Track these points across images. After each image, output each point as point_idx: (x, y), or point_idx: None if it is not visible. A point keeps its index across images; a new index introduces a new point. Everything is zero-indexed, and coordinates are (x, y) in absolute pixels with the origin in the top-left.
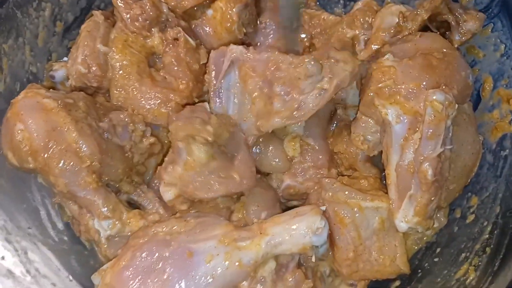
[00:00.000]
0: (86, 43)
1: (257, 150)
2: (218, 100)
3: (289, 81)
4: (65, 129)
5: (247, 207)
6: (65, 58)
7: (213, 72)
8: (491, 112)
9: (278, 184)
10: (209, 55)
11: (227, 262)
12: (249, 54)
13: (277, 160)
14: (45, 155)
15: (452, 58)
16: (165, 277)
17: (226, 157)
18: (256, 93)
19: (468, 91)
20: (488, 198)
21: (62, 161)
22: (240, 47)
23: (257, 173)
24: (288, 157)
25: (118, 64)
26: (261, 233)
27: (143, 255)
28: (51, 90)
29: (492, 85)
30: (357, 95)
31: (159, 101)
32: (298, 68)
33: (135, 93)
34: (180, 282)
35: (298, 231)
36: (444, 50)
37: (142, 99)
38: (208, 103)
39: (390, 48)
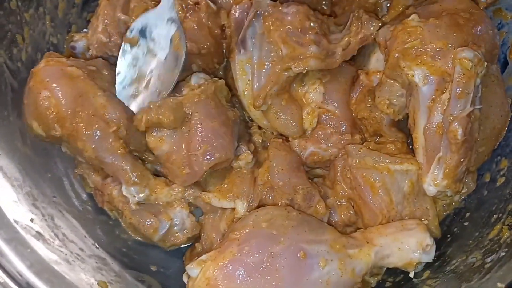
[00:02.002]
0: (106, 12)
1: (278, 109)
2: (242, 49)
3: (320, 30)
4: (92, 96)
5: (271, 171)
6: (85, 30)
7: (234, 26)
8: None
9: (302, 152)
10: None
11: (341, 270)
12: (275, 7)
13: (294, 124)
14: (73, 121)
15: (479, 18)
16: (277, 276)
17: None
18: (283, 41)
19: (495, 50)
20: None
21: (90, 127)
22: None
23: (280, 137)
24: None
25: None
26: (368, 243)
27: (252, 250)
28: (71, 58)
29: None
30: (380, 61)
31: None
32: (327, 20)
33: None
34: (293, 283)
35: (407, 245)
36: (470, 10)
37: None
38: (228, 57)
39: (415, 10)
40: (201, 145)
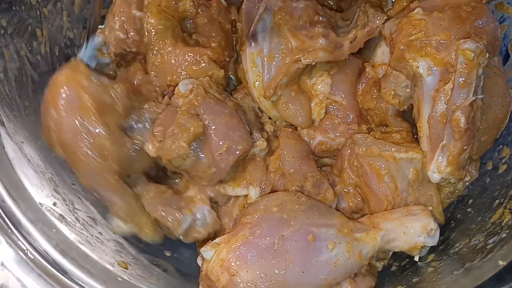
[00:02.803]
0: (121, 9)
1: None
2: (253, 42)
3: (328, 24)
4: (94, 131)
5: (282, 159)
6: (101, 26)
7: (245, 20)
8: None
9: (310, 141)
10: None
11: (348, 252)
12: (285, 2)
13: (302, 114)
14: (72, 150)
15: (481, 11)
16: (287, 257)
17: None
18: (292, 34)
19: (497, 42)
20: None
21: (86, 161)
22: None
23: (289, 127)
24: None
25: (153, 28)
26: (374, 227)
27: (263, 233)
28: (93, 75)
29: None
30: (385, 54)
31: (192, 59)
32: (334, 14)
33: (170, 56)
34: (303, 265)
35: (412, 229)
36: (472, 3)
37: (176, 62)
38: (238, 50)
39: (419, 4)
40: (223, 143)
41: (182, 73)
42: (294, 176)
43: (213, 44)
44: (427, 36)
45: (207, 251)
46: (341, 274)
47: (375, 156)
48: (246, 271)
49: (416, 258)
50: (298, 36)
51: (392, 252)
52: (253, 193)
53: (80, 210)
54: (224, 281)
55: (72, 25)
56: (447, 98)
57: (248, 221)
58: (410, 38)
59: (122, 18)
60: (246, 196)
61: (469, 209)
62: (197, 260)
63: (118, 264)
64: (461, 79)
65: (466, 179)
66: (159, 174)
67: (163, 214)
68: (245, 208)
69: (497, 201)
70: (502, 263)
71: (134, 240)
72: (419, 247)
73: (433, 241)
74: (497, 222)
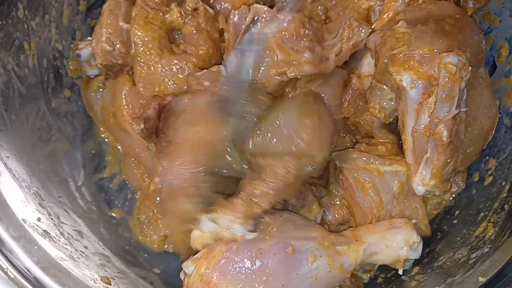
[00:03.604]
0: (109, 21)
1: None
2: (239, 54)
3: (314, 37)
4: None
5: None
6: (89, 38)
7: (232, 30)
8: (508, 77)
9: None
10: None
11: (329, 265)
12: (272, 14)
13: None
14: None
15: (465, 24)
16: (267, 271)
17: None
18: (278, 46)
19: (481, 55)
20: (506, 159)
21: None
22: (264, 6)
23: None
24: None
25: (140, 40)
26: (356, 240)
27: (240, 247)
28: None
29: (508, 50)
30: (371, 65)
31: (177, 67)
32: (320, 27)
33: (156, 67)
34: (283, 278)
35: (395, 243)
36: (457, 16)
37: (162, 72)
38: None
39: (403, 16)
40: None
41: (169, 83)
42: None
43: (200, 51)
44: (410, 50)
45: (188, 266)
46: (322, 287)
47: (360, 169)
48: (226, 286)
49: (400, 271)
50: (284, 49)
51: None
52: None
53: (65, 224)
54: None
55: (61, 37)
56: (430, 111)
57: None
58: (394, 52)
59: (109, 30)
60: None
61: (455, 221)
62: (180, 274)
63: (101, 279)
64: (443, 93)
65: (453, 190)
66: None
67: None
68: None
69: (482, 214)
70: (482, 279)
71: (122, 252)
72: (402, 260)
73: (416, 254)
74: (481, 236)
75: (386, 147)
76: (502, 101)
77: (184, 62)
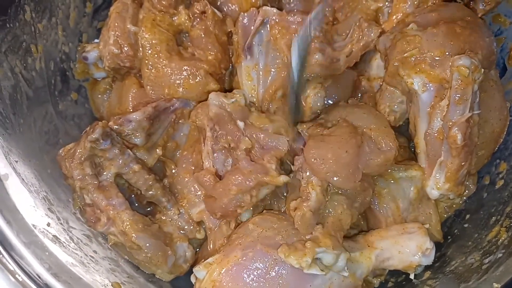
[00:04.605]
0: (116, 24)
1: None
2: (248, 56)
3: (324, 39)
4: None
5: None
6: (96, 40)
7: (241, 32)
8: None
9: None
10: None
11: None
12: (282, 16)
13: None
14: None
15: (475, 25)
16: (280, 282)
17: None
18: (288, 48)
19: (493, 57)
20: None
21: None
22: (273, 8)
23: None
24: None
25: (147, 43)
26: (368, 246)
27: (256, 255)
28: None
29: None
30: (381, 67)
31: (188, 73)
32: (330, 29)
33: (165, 70)
34: None
35: (407, 249)
36: (468, 18)
37: (172, 75)
38: (233, 63)
39: (413, 19)
40: None
41: (179, 88)
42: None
43: (209, 57)
44: (421, 53)
45: (200, 271)
46: None
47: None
48: None
49: (412, 276)
50: None
51: None
52: (245, 213)
53: (74, 228)
54: None
55: (68, 39)
56: (443, 114)
57: (239, 242)
58: (405, 55)
59: (117, 32)
60: None
61: (466, 224)
62: (191, 278)
63: (112, 285)
64: (456, 95)
65: (464, 193)
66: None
67: (151, 251)
68: (236, 228)
69: (493, 218)
70: (496, 285)
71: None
72: (414, 266)
73: (428, 260)
74: (493, 241)
75: (399, 152)
76: None
77: (195, 69)
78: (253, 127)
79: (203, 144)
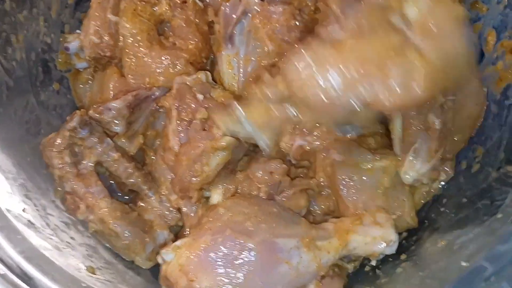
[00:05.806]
0: (97, 14)
1: None
2: (229, 45)
3: (304, 29)
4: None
5: None
6: (78, 31)
7: (223, 22)
8: (495, 65)
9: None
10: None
11: (309, 262)
12: (263, 6)
13: None
14: None
15: None
16: (247, 267)
17: None
18: (269, 38)
19: None
20: (493, 146)
21: None
22: None
23: None
24: None
25: (128, 33)
26: (337, 234)
27: (225, 241)
28: None
29: (495, 38)
30: None
31: (169, 62)
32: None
33: (145, 59)
34: (263, 276)
35: (373, 239)
36: None
37: (153, 64)
38: (215, 52)
39: None
40: None
41: (160, 77)
42: (262, 179)
43: (190, 46)
44: None
45: (167, 253)
46: (300, 283)
47: (349, 164)
48: (206, 278)
49: (373, 263)
50: (275, 40)
51: None
52: (216, 196)
53: (52, 215)
54: (182, 284)
55: (50, 30)
56: None
57: (209, 227)
58: None
59: (97, 22)
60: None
61: (443, 209)
62: (157, 258)
63: (86, 269)
64: None
65: (442, 178)
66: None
67: (130, 237)
68: (207, 211)
69: (466, 200)
70: (465, 264)
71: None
72: (377, 254)
73: (391, 250)
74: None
75: (376, 139)
76: (490, 89)
77: (175, 58)
78: (212, 100)
79: (169, 124)
